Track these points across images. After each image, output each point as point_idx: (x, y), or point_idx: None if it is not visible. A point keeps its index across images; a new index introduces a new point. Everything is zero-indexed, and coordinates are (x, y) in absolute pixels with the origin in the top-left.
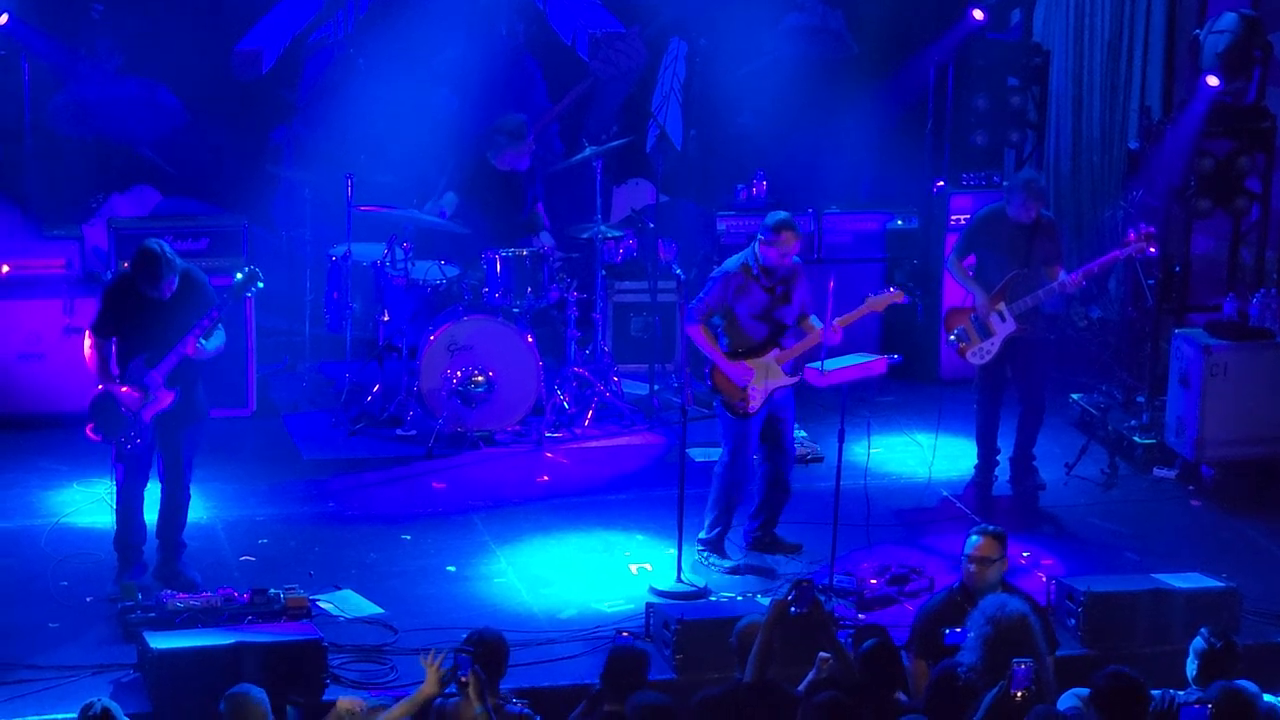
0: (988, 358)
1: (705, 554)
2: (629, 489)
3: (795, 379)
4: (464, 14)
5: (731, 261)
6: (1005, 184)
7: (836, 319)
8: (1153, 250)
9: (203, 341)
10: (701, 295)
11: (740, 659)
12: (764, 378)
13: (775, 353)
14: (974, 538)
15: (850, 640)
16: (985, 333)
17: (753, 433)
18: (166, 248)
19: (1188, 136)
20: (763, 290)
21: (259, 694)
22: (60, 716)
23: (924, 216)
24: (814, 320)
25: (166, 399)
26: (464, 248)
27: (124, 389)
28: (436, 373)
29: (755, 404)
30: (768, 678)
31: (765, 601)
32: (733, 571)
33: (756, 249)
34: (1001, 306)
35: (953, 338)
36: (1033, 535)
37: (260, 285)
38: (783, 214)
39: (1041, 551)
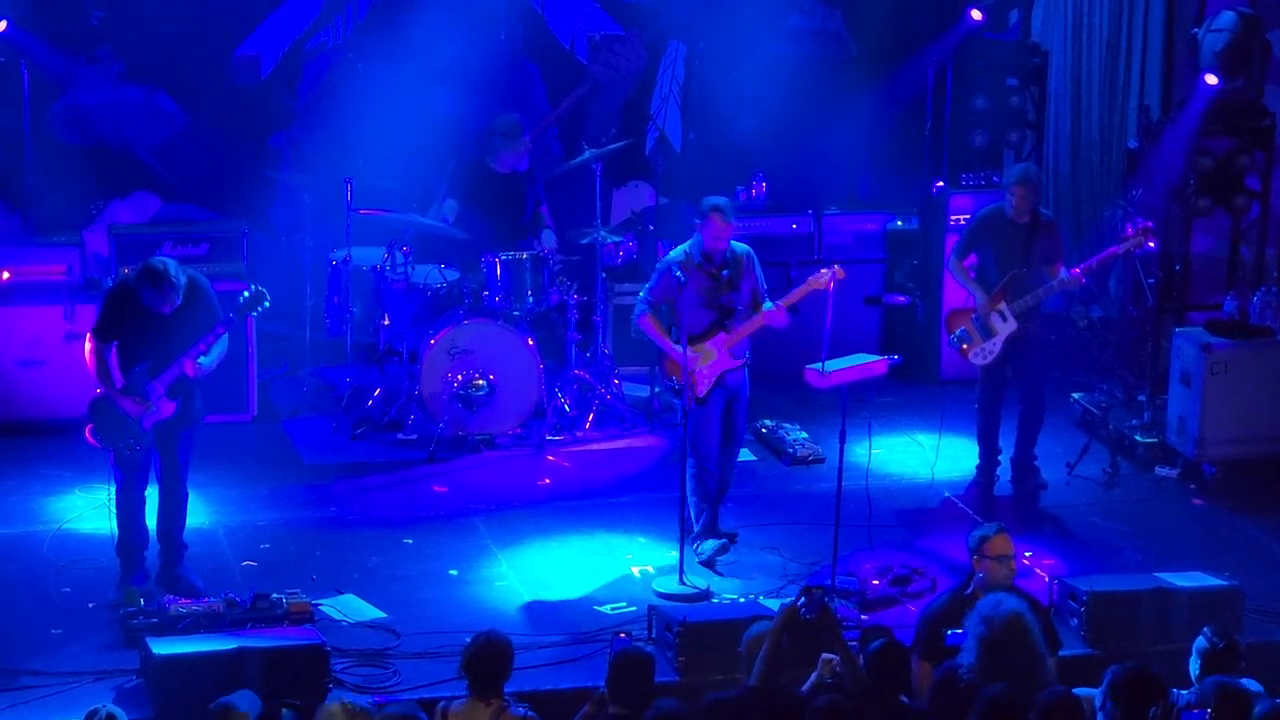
0: (990, 358)
1: (697, 544)
2: (630, 491)
3: (739, 362)
4: (462, 18)
5: (675, 252)
6: (1001, 182)
7: (780, 300)
8: (1151, 244)
9: (202, 360)
10: (649, 286)
11: (748, 667)
12: (710, 361)
13: (721, 337)
14: (988, 535)
15: (858, 641)
16: (987, 333)
17: (711, 418)
18: (171, 265)
19: (1187, 135)
20: (705, 276)
21: (241, 705)
22: None
23: (923, 217)
24: (768, 305)
25: (168, 409)
26: (464, 251)
27: (125, 400)
28: (437, 377)
29: (703, 388)
30: (777, 683)
31: (768, 603)
32: (720, 551)
33: (697, 235)
34: (1002, 306)
35: (954, 339)
36: (1035, 535)
37: (266, 305)
38: (718, 199)
39: (1044, 551)
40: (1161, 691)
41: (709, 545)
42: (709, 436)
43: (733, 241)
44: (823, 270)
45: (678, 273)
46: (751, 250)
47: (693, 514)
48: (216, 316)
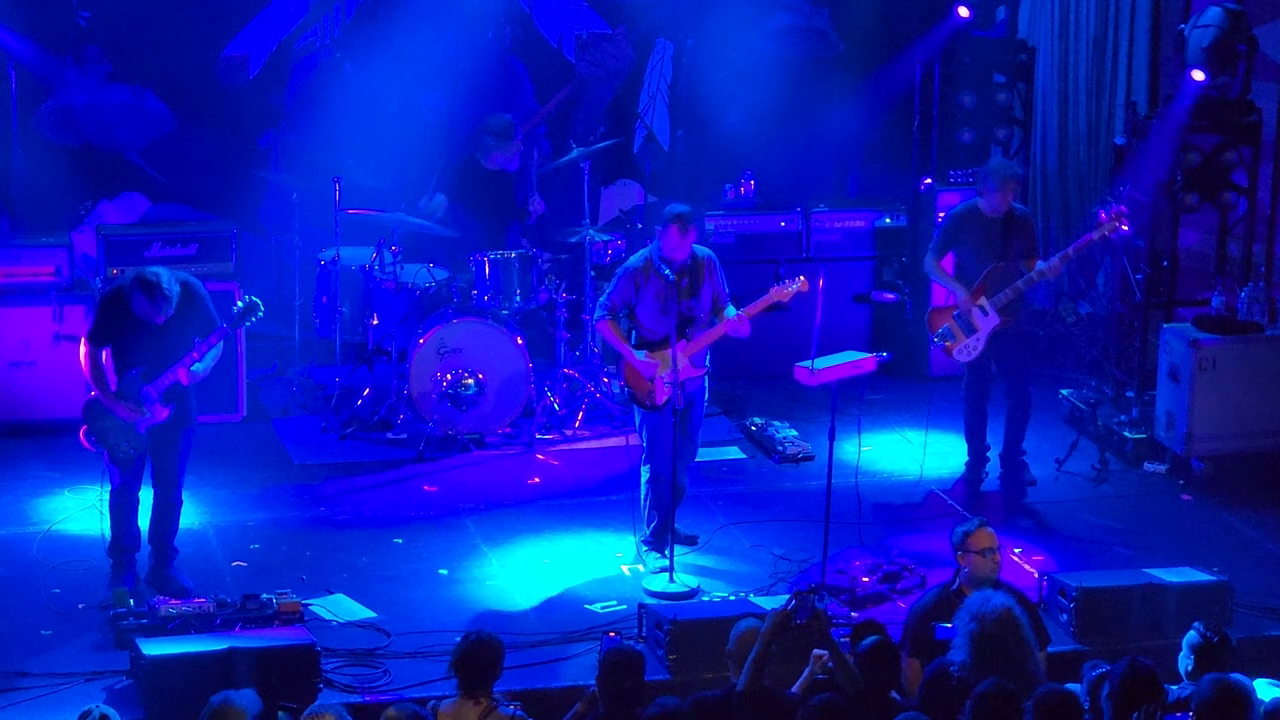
0: (974, 354)
1: (646, 550)
2: (620, 490)
3: (701, 371)
4: (450, 17)
5: (635, 257)
6: (978, 173)
7: (742, 309)
8: (1125, 227)
9: (196, 367)
10: (608, 291)
11: (736, 664)
12: (670, 369)
13: (682, 345)
14: (970, 530)
15: (849, 637)
16: (969, 329)
17: (667, 426)
18: (164, 277)
19: (1174, 131)
20: (664, 282)
21: (241, 701)
22: None
23: (912, 214)
24: (730, 311)
25: (163, 414)
26: (453, 250)
27: (120, 405)
28: (426, 376)
29: (662, 397)
30: (763, 682)
31: (758, 600)
32: (664, 569)
33: (656, 241)
34: (983, 301)
35: (937, 337)
36: (1024, 531)
37: (260, 315)
38: (679, 206)
39: (1033, 547)
40: (1157, 688)
41: (651, 560)
42: (665, 445)
43: (694, 245)
44: (787, 281)
45: (666, 271)
46: (713, 254)
47: (644, 518)
48: (213, 322)
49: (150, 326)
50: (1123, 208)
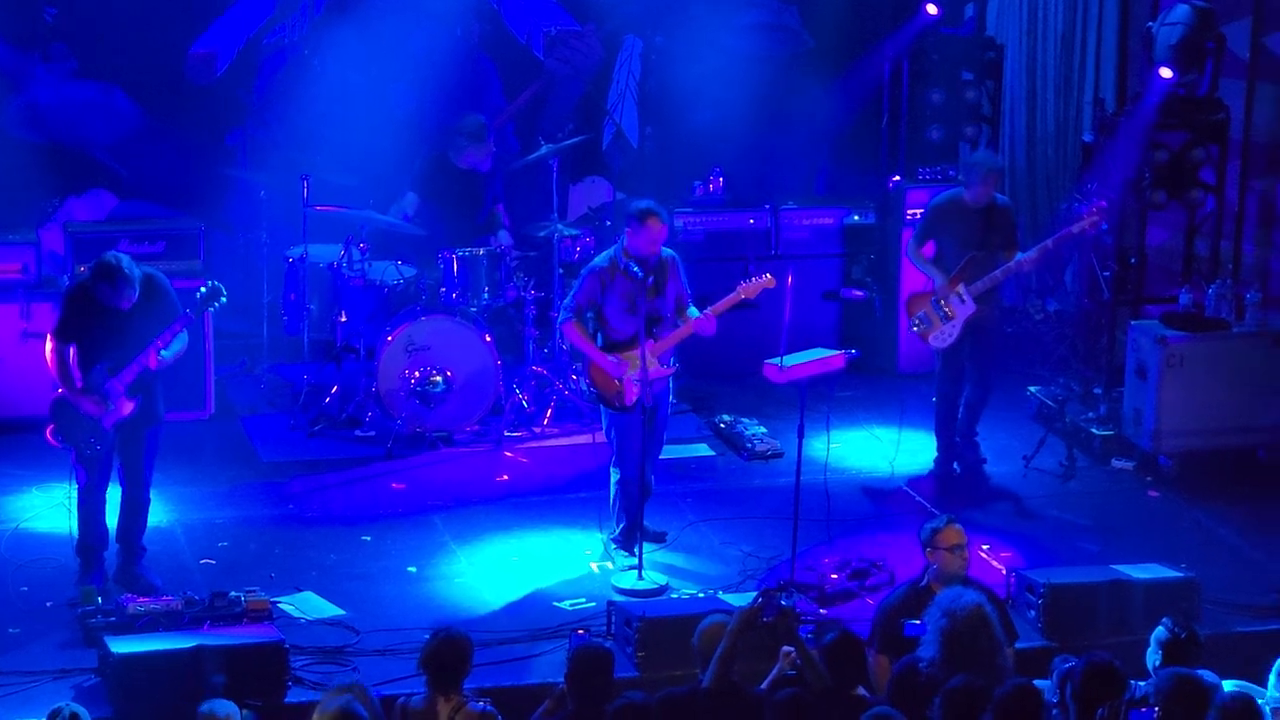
0: (950, 340)
1: (614, 549)
2: (588, 487)
3: (669, 370)
4: (418, 14)
5: (600, 258)
6: (962, 165)
7: (709, 308)
8: (1105, 225)
9: (163, 353)
10: (573, 293)
11: (702, 660)
12: (638, 369)
13: (650, 344)
14: (939, 527)
15: (811, 635)
16: (946, 316)
17: (636, 425)
18: (125, 260)
19: (1141, 129)
20: (630, 282)
21: (224, 710)
22: None
23: (880, 211)
24: (693, 311)
25: (128, 408)
26: (421, 248)
27: (85, 400)
28: (394, 373)
29: (631, 397)
30: (730, 679)
31: (727, 598)
32: (632, 567)
33: (624, 240)
34: (960, 288)
35: (914, 323)
36: (992, 527)
37: (223, 300)
38: (647, 201)
39: (1001, 544)
40: (1117, 681)
41: (620, 557)
42: (633, 446)
43: None
44: (754, 277)
45: (635, 268)
46: (676, 255)
47: (613, 518)
48: (176, 311)
49: (115, 320)
50: (1103, 203)
